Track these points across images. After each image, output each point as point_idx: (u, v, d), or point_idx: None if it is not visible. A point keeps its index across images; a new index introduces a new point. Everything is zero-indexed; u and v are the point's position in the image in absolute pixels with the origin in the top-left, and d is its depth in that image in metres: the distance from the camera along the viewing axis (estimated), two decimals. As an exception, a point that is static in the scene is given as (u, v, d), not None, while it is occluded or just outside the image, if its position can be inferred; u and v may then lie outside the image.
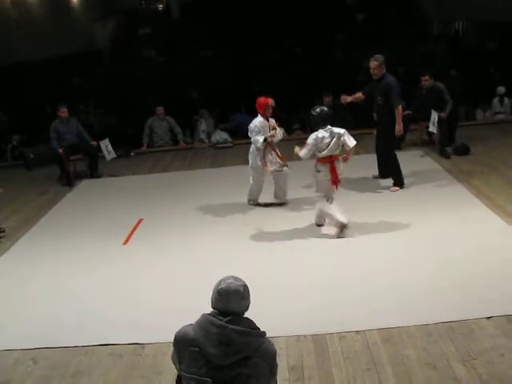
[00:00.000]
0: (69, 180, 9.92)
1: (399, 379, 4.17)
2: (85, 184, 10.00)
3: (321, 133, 6.68)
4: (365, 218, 7.14)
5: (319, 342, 4.71)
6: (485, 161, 9.13)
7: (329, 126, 6.72)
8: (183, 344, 2.98)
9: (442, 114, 9.58)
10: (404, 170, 8.60)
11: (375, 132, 9.15)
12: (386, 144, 8.31)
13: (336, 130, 6.70)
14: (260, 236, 7.02)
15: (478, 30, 18.06)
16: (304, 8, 19.96)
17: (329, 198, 6.85)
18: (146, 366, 4.64)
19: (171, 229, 7.49)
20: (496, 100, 12.36)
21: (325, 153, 6.69)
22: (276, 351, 3.04)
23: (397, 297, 5.24)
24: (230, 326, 2.89)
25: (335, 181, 6.78)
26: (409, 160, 9.44)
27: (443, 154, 9.55)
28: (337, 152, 6.75)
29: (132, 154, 11.68)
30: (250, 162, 7.83)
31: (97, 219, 8.10)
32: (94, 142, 10.23)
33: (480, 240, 6.29)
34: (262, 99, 7.55)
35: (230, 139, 12.01)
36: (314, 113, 6.79)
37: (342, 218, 6.72)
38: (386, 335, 4.69)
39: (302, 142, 11.26)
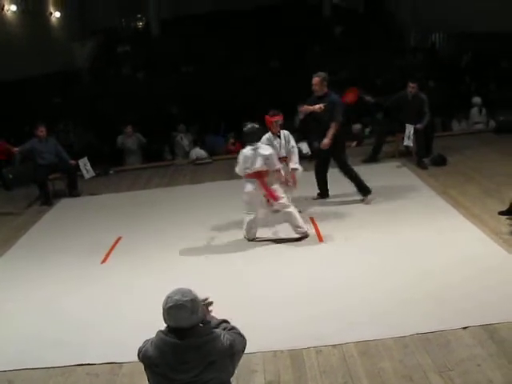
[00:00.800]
0: (48, 199, 9.87)
1: (375, 392, 4.18)
2: (64, 203, 9.95)
3: (247, 150, 6.82)
4: (340, 230, 7.22)
5: (296, 356, 4.71)
6: (461, 171, 9.23)
7: (257, 144, 6.84)
8: (146, 362, 3.04)
9: (419, 126, 9.70)
10: (381, 181, 8.71)
11: (354, 144, 9.23)
12: (342, 159, 8.24)
13: (262, 149, 6.80)
14: (235, 250, 7.03)
15: (454, 42, 18.30)
16: (282, 22, 20.13)
17: (252, 213, 7.02)
18: (123, 385, 4.62)
19: (150, 246, 7.47)
20: (475, 110, 12.49)
21: (248, 171, 6.83)
22: (230, 340, 3.06)
23: (373, 309, 5.25)
24: (181, 343, 2.93)
25: (269, 196, 6.90)
26: (386, 171, 9.56)
27: (420, 165, 9.64)
28: (265, 169, 6.83)
29: (111, 172, 11.66)
30: None
31: (76, 238, 8.06)
32: (72, 161, 10.20)
33: (456, 249, 6.34)
34: (267, 117, 7.38)
35: (208, 155, 12.02)
36: (244, 129, 6.96)
37: (250, 234, 7.11)
38: (363, 348, 4.71)
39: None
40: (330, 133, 7.87)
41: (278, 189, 6.96)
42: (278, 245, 7.06)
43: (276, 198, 6.91)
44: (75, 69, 19.35)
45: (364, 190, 8.20)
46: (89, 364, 4.94)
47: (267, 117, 7.42)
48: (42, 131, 10.02)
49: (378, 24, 20.43)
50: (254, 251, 6.92)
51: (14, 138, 12.19)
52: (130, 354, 4.84)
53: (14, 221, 9.25)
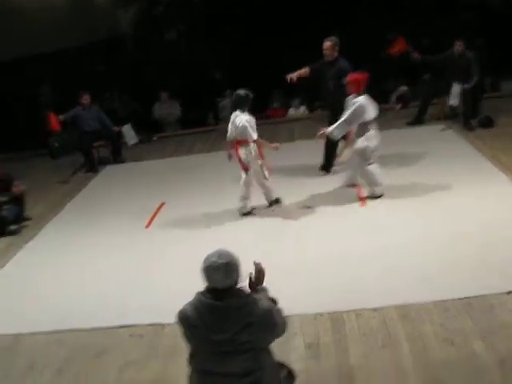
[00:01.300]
0: (92, 166, 10.06)
1: (415, 355, 4.16)
2: (108, 169, 10.13)
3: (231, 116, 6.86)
4: (383, 199, 7.09)
5: (336, 319, 4.72)
6: (509, 133, 8.93)
7: (237, 112, 6.79)
8: (184, 323, 3.08)
9: (466, 86, 9.41)
10: (426, 144, 8.56)
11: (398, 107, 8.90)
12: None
13: (238, 119, 6.74)
14: (277, 215, 7.02)
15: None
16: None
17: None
18: (166, 346, 4.72)
19: (193, 211, 7.54)
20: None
21: (227, 137, 6.92)
22: (270, 306, 3.07)
23: (414, 272, 5.20)
24: (218, 304, 2.96)
25: (241, 166, 6.86)
26: (431, 134, 9.37)
27: (467, 127, 9.38)
28: (239, 138, 6.80)
29: (154, 138, 11.77)
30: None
31: (120, 203, 8.21)
32: (116, 128, 10.33)
33: (501, 213, 6.19)
34: (358, 76, 6.85)
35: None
36: (234, 95, 6.90)
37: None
38: (403, 312, 4.67)
39: (324, 119, 11.30)
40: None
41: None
42: (320, 208, 7.03)
43: (244, 169, 6.87)
44: (119, 36, 19.40)
45: (328, 166, 8.19)
46: (133, 325, 5.07)
47: (359, 75, 6.88)
48: (86, 99, 10.17)
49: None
50: (295, 215, 6.91)
51: (59, 107, 12.43)
52: (172, 316, 4.98)
53: (61, 188, 9.48)
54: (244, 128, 6.71)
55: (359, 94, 6.79)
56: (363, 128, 6.86)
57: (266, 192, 7.26)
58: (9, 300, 5.93)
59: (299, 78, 7.98)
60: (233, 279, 3.02)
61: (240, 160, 6.87)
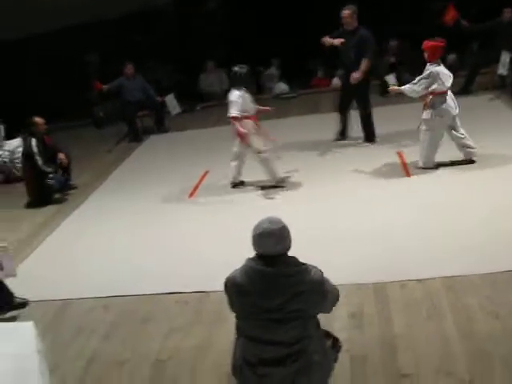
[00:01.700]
0: (137, 136, 10.17)
1: (460, 327, 4.12)
2: (152, 139, 10.23)
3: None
4: (433, 171, 6.97)
5: (380, 289, 4.71)
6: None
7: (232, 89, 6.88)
8: (232, 289, 3.09)
9: (516, 54, 9.16)
10: (473, 115, 8.32)
11: None
12: (364, 101, 8.10)
13: (230, 95, 6.80)
14: (321, 185, 7.02)
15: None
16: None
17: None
18: (211, 313, 4.79)
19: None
20: None
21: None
22: (321, 276, 3.06)
23: (459, 244, 5.14)
24: (269, 270, 2.97)
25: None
26: (478, 104, 9.14)
27: (516, 96, 9.15)
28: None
29: (198, 108, 11.81)
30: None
31: (164, 173, 8.30)
32: (159, 98, 10.39)
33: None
34: (434, 43, 6.55)
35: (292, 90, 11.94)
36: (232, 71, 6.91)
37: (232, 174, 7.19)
38: (448, 283, 4.63)
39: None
40: (362, 68, 7.66)
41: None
42: (365, 177, 7.01)
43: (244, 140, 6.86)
44: (159, 6, 19.37)
45: (372, 137, 8.18)
46: (178, 292, 5.16)
47: (435, 43, 6.58)
48: (129, 69, 10.26)
49: None
50: (340, 185, 6.89)
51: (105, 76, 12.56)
52: (216, 284, 5.03)
53: (105, 157, 9.64)
54: (230, 104, 6.75)
55: (434, 62, 6.60)
56: (435, 98, 6.65)
57: (267, 170, 7.12)
58: (56, 267, 6.09)
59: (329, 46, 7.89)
60: (285, 246, 3.04)
61: (238, 134, 6.80)
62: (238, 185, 7.30)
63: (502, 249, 4.98)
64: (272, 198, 6.82)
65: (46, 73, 13.10)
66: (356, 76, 7.71)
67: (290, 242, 3.08)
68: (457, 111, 6.74)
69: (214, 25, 16.38)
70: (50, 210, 7.69)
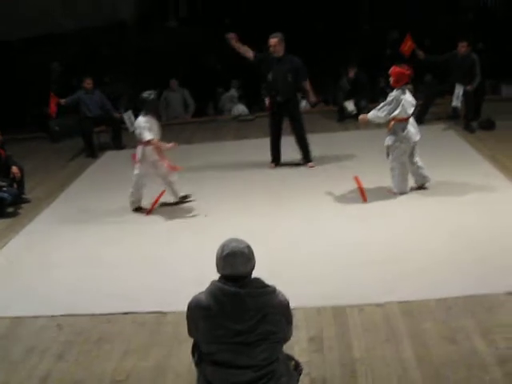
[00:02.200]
0: (93, 152, 10.02)
1: (417, 351, 4.19)
2: (108, 155, 10.09)
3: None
4: (382, 190, 7.16)
5: (339, 313, 4.74)
6: (510, 135, 8.97)
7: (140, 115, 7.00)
8: (198, 313, 3.03)
9: (469, 87, 9.46)
10: (426, 144, 8.53)
11: None
12: (299, 123, 8.38)
13: (137, 121, 7.00)
14: (283, 206, 7.04)
15: (506, 2, 17.62)
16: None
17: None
18: (168, 334, 4.73)
19: (193, 201, 7.54)
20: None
21: None
22: (288, 301, 3.08)
23: (417, 270, 5.22)
24: (243, 291, 2.94)
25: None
26: (432, 133, 9.35)
27: (468, 128, 9.42)
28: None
29: (156, 125, 11.73)
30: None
31: (120, 190, 8.14)
32: (117, 114, 10.29)
33: (504, 215, 6.23)
34: (401, 70, 6.66)
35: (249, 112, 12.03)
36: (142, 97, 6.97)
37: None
38: (406, 308, 4.70)
39: (325, 114, 11.36)
40: (311, 89, 8.20)
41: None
42: (322, 202, 7.07)
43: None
44: (122, 21, 19.30)
45: (310, 156, 8.46)
46: (134, 312, 5.07)
47: (400, 69, 6.71)
48: (88, 83, 10.14)
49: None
50: (298, 210, 6.91)
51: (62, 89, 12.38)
52: (174, 304, 5.00)
53: (60, 172, 9.45)
54: (139, 130, 6.87)
55: (399, 88, 6.75)
56: (396, 125, 6.79)
57: (172, 190, 7.45)
58: (7, 283, 5.90)
59: (238, 53, 8.20)
60: (251, 266, 3.03)
61: (134, 158, 7.14)
62: (138, 209, 7.40)
63: (456, 274, 5.10)
64: (232, 220, 6.79)
65: (7, 81, 12.86)
66: (314, 99, 8.17)
67: (255, 262, 3.07)
68: (418, 138, 6.90)
69: (174, 43, 16.41)
70: (1, 223, 7.47)
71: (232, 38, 8.09)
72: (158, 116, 7.36)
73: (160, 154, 7.03)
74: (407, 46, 9.37)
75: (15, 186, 7.88)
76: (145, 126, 6.84)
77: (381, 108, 6.81)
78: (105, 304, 5.25)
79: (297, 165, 8.53)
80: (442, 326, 4.44)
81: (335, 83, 11.82)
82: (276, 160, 8.59)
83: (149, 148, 6.96)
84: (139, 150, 7.06)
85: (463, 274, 5.11)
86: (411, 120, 6.86)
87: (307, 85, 8.20)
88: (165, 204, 7.52)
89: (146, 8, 20.31)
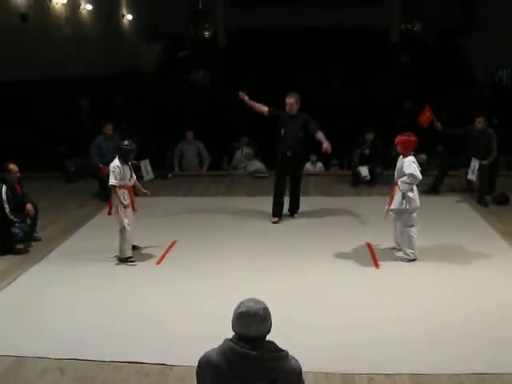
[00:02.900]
0: (107, 195, 10.03)
1: (428, 427, 4.09)
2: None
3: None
4: (398, 261, 7.14)
5: (347, 381, 4.65)
6: (524, 212, 9.00)
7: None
8: (207, 370, 2.98)
9: (485, 162, 9.55)
10: (440, 215, 8.64)
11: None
12: (300, 178, 9.09)
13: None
14: (292, 267, 6.99)
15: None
16: (349, 44, 20.16)
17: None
18: (173, 388, 4.64)
19: (205, 252, 7.55)
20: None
21: None
22: (301, 368, 3.02)
23: (429, 342, 5.15)
24: (253, 353, 2.89)
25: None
26: (446, 205, 9.43)
27: (482, 202, 9.46)
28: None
29: (169, 175, 11.85)
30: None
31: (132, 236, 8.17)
32: (134, 162, 10.34)
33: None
34: (406, 138, 6.95)
35: (266, 169, 12.07)
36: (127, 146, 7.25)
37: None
38: (416, 381, 4.61)
39: (339, 178, 11.44)
40: (323, 137, 8.45)
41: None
42: (337, 269, 7.01)
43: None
44: (142, 70, 19.75)
45: (298, 207, 9.01)
46: (140, 362, 4.98)
47: (410, 138, 6.97)
48: (109, 129, 10.26)
49: (446, 56, 20.23)
50: (309, 275, 6.83)
51: (76, 134, 12.58)
52: (180, 358, 4.93)
53: (73, 213, 9.48)
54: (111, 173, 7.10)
55: (407, 155, 6.94)
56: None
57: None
58: (11, 321, 5.81)
59: (251, 108, 8.77)
60: (267, 327, 2.99)
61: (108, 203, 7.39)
62: (126, 260, 7.32)
63: (470, 351, 5.01)
64: (242, 277, 6.74)
65: (24, 119, 13.05)
66: (327, 146, 8.42)
67: (271, 324, 3.03)
68: (418, 204, 7.01)
69: (192, 95, 16.72)
70: (10, 260, 7.43)
71: (242, 96, 8.61)
72: (132, 162, 7.57)
73: (122, 202, 7.14)
74: (425, 117, 9.50)
75: (28, 222, 7.87)
76: (113, 170, 7.10)
77: (409, 178, 6.88)
78: (109, 351, 5.16)
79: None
80: (453, 403, 4.35)
81: (350, 147, 11.96)
82: (280, 215, 8.87)
83: (122, 192, 7.18)
84: (112, 195, 7.27)
85: (477, 351, 5.02)
86: (415, 187, 7.03)
87: (321, 134, 8.48)
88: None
89: (166, 61, 20.85)
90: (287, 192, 9.04)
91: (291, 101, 8.47)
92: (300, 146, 8.64)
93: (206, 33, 25.38)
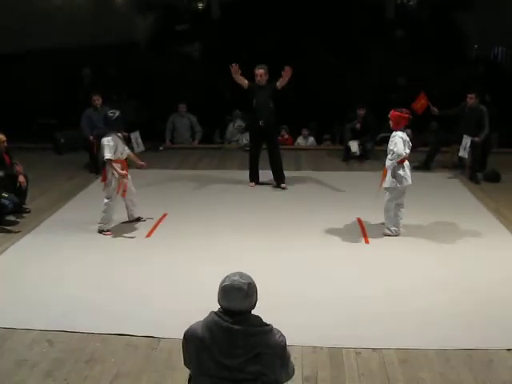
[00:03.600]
0: (97, 168, 9.98)
1: (414, 402, 4.13)
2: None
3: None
4: (391, 239, 7.12)
5: (335, 355, 4.67)
6: (514, 188, 9.02)
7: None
8: (192, 343, 2.99)
9: (476, 139, 9.52)
10: (431, 191, 8.65)
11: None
12: (276, 147, 9.31)
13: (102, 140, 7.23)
14: (286, 246, 6.92)
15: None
16: (343, 19, 19.91)
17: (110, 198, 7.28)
18: (161, 360, 4.65)
19: (195, 225, 7.54)
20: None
21: None
22: (286, 342, 3.03)
23: (417, 318, 5.17)
24: (236, 327, 2.89)
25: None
26: (437, 181, 9.42)
27: (473, 179, 9.46)
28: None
29: (161, 148, 11.79)
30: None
31: (121, 210, 8.11)
32: (124, 133, 10.26)
33: (505, 269, 6.21)
34: (399, 113, 6.87)
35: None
36: (112, 116, 7.16)
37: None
38: (403, 356, 4.64)
39: (330, 152, 11.41)
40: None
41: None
42: (326, 243, 7.01)
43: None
44: (134, 41, 19.46)
45: (283, 177, 9.26)
46: (128, 335, 4.98)
47: (400, 113, 6.88)
48: (97, 100, 10.16)
49: (441, 31, 20.04)
50: (299, 250, 6.82)
51: (69, 105, 12.44)
52: (168, 331, 4.93)
53: (63, 184, 9.42)
54: (102, 148, 7.11)
55: (398, 131, 6.91)
56: (396, 166, 6.91)
57: (128, 209, 7.65)
58: (1, 293, 5.80)
59: (235, 82, 8.98)
60: (251, 302, 2.98)
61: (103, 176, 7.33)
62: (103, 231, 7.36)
63: (457, 327, 5.05)
64: (231, 250, 6.74)
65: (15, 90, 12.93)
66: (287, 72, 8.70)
67: (256, 300, 3.03)
68: (409, 182, 6.98)
69: (184, 68, 16.53)
70: (-2, 231, 7.42)
71: (234, 68, 8.79)
72: (122, 134, 7.54)
73: (120, 172, 7.14)
74: (420, 103, 9.48)
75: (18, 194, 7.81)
76: (107, 145, 7.05)
77: (391, 155, 6.86)
78: (98, 323, 5.16)
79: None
80: (439, 378, 4.38)
81: (342, 122, 11.91)
82: (256, 180, 9.33)
83: (109, 167, 7.16)
84: (106, 168, 7.24)
85: (464, 327, 5.05)
86: (407, 163, 6.97)
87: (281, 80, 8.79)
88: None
89: (159, 32, 20.54)
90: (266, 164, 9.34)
91: (261, 72, 8.80)
92: (272, 114, 8.90)
93: (200, 4, 24.99)
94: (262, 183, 9.37)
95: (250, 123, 9.15)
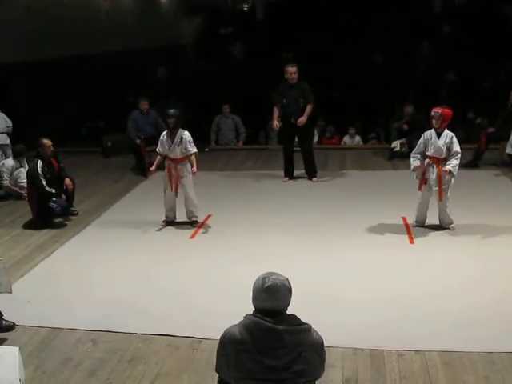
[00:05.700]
0: (143, 170, 10.14)
1: (457, 406, 4.03)
2: (159, 175, 10.11)
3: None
4: (431, 234, 7.03)
5: (376, 357, 4.61)
6: None
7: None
8: (231, 346, 2.96)
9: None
10: (478, 188, 8.44)
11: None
12: (310, 142, 9.79)
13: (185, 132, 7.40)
14: (329, 246, 6.89)
15: None
16: (389, 15, 19.65)
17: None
18: (202, 360, 4.66)
19: (238, 226, 7.56)
20: None
21: None
22: (323, 340, 3.02)
23: (461, 319, 5.06)
24: (279, 327, 2.87)
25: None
26: (484, 178, 9.23)
27: (521, 175, 9.22)
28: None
29: (206, 149, 11.86)
30: None
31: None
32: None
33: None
34: (450, 111, 6.81)
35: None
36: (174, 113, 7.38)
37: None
38: (447, 358, 4.53)
39: (376, 152, 11.28)
40: (307, 112, 9.07)
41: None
42: (371, 243, 6.93)
43: None
44: (180, 45, 19.70)
45: (315, 171, 9.56)
46: (170, 335, 5.04)
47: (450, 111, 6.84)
48: (144, 105, 10.33)
49: (490, 25, 19.53)
50: (341, 249, 6.78)
51: (117, 106, 12.66)
52: (209, 331, 4.94)
53: (110, 187, 9.60)
54: (189, 142, 7.41)
55: (444, 128, 6.82)
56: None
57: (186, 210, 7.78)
58: (47, 293, 5.96)
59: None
60: (288, 301, 2.97)
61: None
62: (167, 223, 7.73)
63: (503, 329, 4.90)
64: (274, 252, 6.69)
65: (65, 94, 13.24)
66: (303, 119, 9.04)
67: (291, 298, 3.01)
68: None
69: (233, 71, 16.61)
70: (47, 233, 7.61)
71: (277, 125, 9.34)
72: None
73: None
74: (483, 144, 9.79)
75: (63, 197, 7.99)
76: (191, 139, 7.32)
77: (455, 156, 6.78)
78: (140, 324, 5.23)
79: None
80: (483, 381, 4.26)
81: (387, 120, 11.76)
82: (290, 175, 9.61)
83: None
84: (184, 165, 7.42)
85: (509, 329, 4.90)
86: None
87: (308, 108, 9.11)
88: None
89: (204, 35, 20.73)
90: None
91: (294, 69, 9.02)
92: (302, 112, 9.07)
93: (245, 5, 25.11)
94: (296, 177, 9.69)
95: (282, 120, 9.32)
